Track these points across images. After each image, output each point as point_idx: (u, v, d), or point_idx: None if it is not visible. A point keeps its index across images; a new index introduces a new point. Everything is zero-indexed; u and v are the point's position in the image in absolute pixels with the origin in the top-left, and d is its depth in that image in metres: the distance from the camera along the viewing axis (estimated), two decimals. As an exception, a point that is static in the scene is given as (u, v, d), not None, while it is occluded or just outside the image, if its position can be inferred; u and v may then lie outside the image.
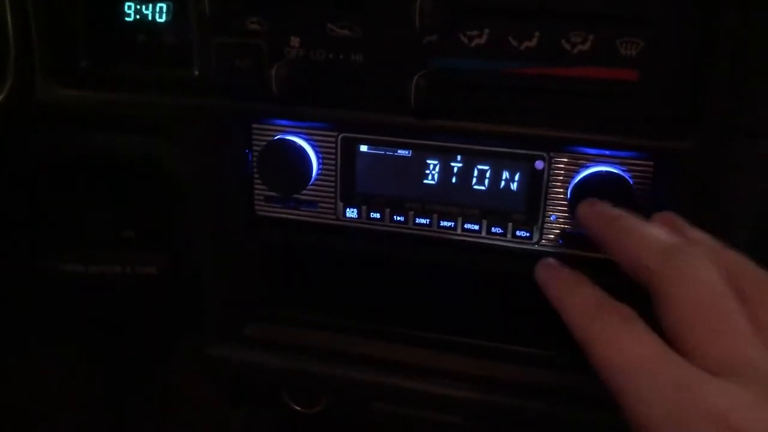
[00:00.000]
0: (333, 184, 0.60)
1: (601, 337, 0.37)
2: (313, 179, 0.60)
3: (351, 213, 0.61)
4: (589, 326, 0.38)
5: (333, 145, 0.59)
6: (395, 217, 0.60)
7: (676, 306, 0.36)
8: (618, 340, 0.36)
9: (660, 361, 0.34)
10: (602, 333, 0.37)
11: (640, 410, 0.33)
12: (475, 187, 0.58)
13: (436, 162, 0.58)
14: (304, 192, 0.61)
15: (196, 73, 0.58)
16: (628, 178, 0.53)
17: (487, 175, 0.57)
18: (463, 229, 0.59)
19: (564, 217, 0.56)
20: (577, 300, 0.40)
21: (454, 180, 0.58)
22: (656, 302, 0.37)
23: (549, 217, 0.57)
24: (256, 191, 0.63)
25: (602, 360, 0.36)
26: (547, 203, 0.56)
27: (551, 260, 0.47)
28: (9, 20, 0.59)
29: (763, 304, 0.36)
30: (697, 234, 0.44)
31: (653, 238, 0.39)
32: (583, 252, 0.57)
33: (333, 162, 0.60)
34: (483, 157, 0.57)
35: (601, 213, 0.45)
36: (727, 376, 0.32)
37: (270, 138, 0.60)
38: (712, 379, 0.32)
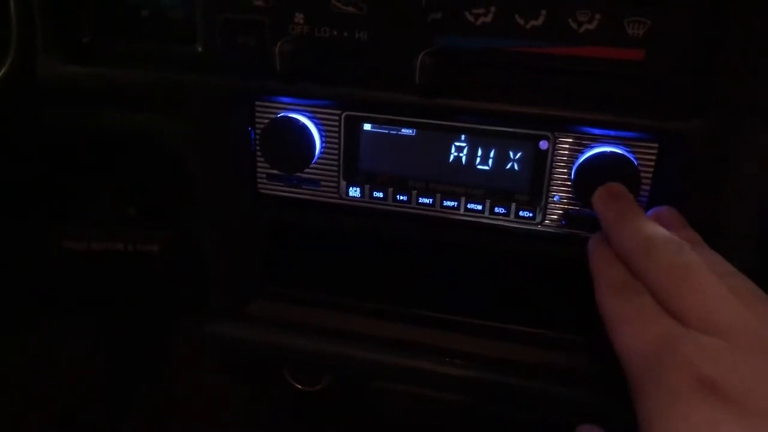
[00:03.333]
0: (336, 162, 0.60)
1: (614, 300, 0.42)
2: (316, 158, 0.59)
3: (354, 192, 0.61)
4: (611, 298, 0.42)
5: (336, 123, 0.59)
6: (398, 196, 0.60)
7: (657, 279, 0.40)
8: (624, 300, 0.41)
9: (651, 315, 0.38)
10: (618, 300, 0.42)
11: (630, 358, 0.38)
12: (479, 166, 0.57)
13: (440, 141, 0.57)
14: (307, 170, 0.61)
15: (200, 49, 0.58)
16: (632, 159, 0.53)
17: (491, 154, 0.57)
18: (467, 209, 0.59)
19: (568, 198, 0.56)
20: (609, 273, 0.44)
21: (458, 159, 0.58)
22: (643, 281, 0.41)
23: (552, 197, 0.57)
24: (259, 169, 0.63)
25: (607, 311, 0.42)
26: (551, 184, 0.56)
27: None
28: (11, -5, 0.59)
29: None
30: (690, 233, 0.48)
31: (642, 235, 0.44)
32: (586, 233, 0.57)
33: (336, 140, 0.59)
34: (487, 137, 0.57)
35: (606, 189, 0.50)
36: (705, 332, 0.35)
37: (273, 115, 0.60)
38: (690, 332, 0.36)
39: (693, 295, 0.38)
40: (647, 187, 0.54)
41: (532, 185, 0.57)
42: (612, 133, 0.53)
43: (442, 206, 0.59)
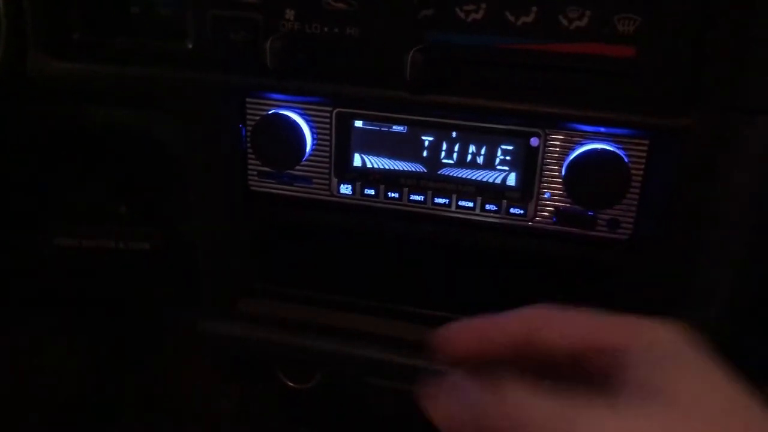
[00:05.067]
0: (327, 159, 0.60)
1: None
2: (307, 155, 0.59)
3: (345, 189, 0.61)
4: None
5: (327, 120, 0.59)
6: (389, 193, 0.60)
7: None
8: None
9: None
10: None
11: None
12: (470, 163, 0.57)
13: (431, 138, 0.57)
14: (298, 167, 0.61)
15: (190, 46, 0.58)
16: (623, 155, 0.53)
17: (482, 151, 0.57)
18: (458, 206, 0.59)
19: (558, 195, 0.56)
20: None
21: (449, 156, 0.58)
22: None
23: (543, 194, 0.57)
24: (250, 166, 0.62)
25: None
26: (542, 180, 0.56)
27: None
28: (0, -9, 0.58)
29: None
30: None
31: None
32: (577, 229, 0.57)
33: (327, 137, 0.59)
34: (478, 134, 0.57)
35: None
36: None
37: (264, 112, 0.60)
38: None
39: None
40: (638, 184, 0.54)
41: (523, 182, 0.57)
42: (603, 129, 0.54)
43: (433, 203, 0.59)
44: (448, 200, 0.59)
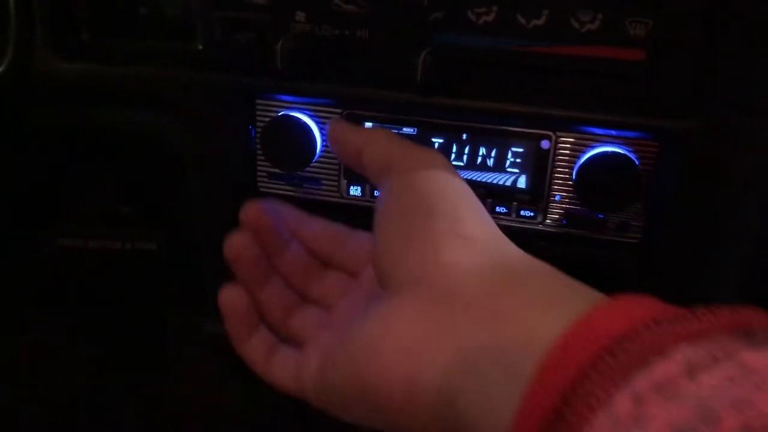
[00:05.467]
0: (337, 161, 0.60)
1: None
2: (317, 156, 0.59)
3: (355, 191, 0.61)
4: None
5: (337, 122, 0.59)
6: (399, 195, 0.59)
7: None
8: None
9: None
10: None
11: None
12: (480, 166, 0.57)
13: (441, 140, 0.57)
14: (308, 169, 0.61)
15: (200, 47, 0.58)
16: (634, 158, 0.53)
17: (493, 154, 0.57)
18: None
19: (569, 198, 0.56)
20: None
21: (458, 159, 0.58)
22: None
23: (554, 197, 0.57)
24: (259, 168, 0.62)
25: None
26: (552, 183, 0.56)
27: None
28: (10, -8, 0.58)
29: None
30: None
31: None
32: (587, 233, 0.57)
33: (337, 139, 0.59)
34: (488, 136, 0.57)
35: None
36: None
37: (274, 114, 0.60)
38: None
39: None
40: (649, 187, 0.54)
41: (534, 185, 0.57)
42: (613, 132, 0.54)
43: (442, 205, 0.59)
44: (457, 202, 0.59)
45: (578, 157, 0.55)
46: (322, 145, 0.59)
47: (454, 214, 0.39)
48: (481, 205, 0.40)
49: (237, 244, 0.49)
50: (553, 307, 0.32)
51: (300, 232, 0.51)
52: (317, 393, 0.42)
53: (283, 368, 0.47)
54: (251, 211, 0.50)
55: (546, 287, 0.35)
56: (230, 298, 0.49)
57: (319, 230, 0.51)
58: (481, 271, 0.36)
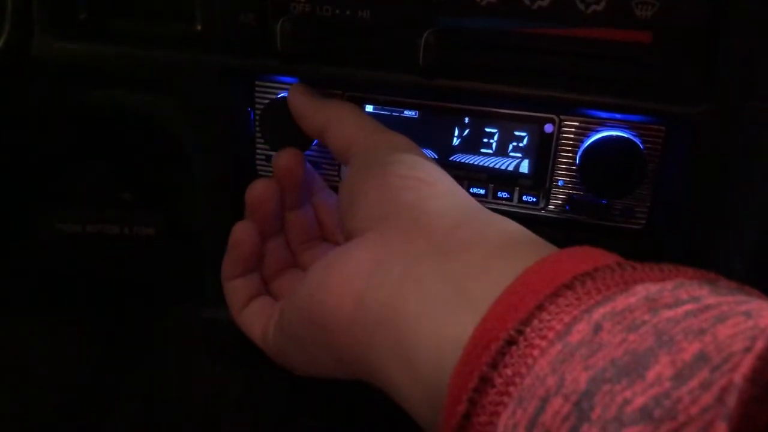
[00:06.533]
0: (337, 144, 0.59)
1: None
2: (316, 140, 0.58)
3: (355, 175, 0.60)
4: None
5: (338, 104, 0.58)
6: (400, 179, 0.59)
7: None
8: None
9: None
10: None
11: None
12: (483, 150, 0.56)
13: (443, 123, 0.57)
14: (307, 153, 0.60)
15: (199, 27, 0.57)
16: (639, 143, 0.52)
17: (495, 137, 0.56)
18: (469, 193, 0.58)
19: (572, 183, 0.55)
20: None
21: (461, 142, 0.57)
22: None
23: (557, 182, 0.56)
24: (258, 151, 0.62)
25: None
26: (556, 168, 0.55)
27: None
28: (6, -30, 0.58)
29: None
30: None
31: None
32: (590, 219, 0.56)
33: (337, 122, 0.58)
34: (491, 119, 0.56)
35: None
36: None
37: (273, 96, 0.59)
38: None
39: None
40: (654, 173, 0.54)
41: (537, 169, 0.56)
42: (618, 116, 0.53)
43: (444, 190, 0.58)
44: (458, 187, 0.58)
45: (582, 142, 0.54)
46: (322, 128, 0.58)
47: (414, 162, 0.41)
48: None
49: (262, 190, 0.51)
50: (518, 247, 0.33)
51: (315, 199, 0.54)
52: (276, 338, 0.44)
53: (254, 315, 0.49)
54: (288, 156, 0.52)
55: (511, 232, 0.36)
56: (243, 232, 0.50)
57: (333, 203, 0.54)
58: (444, 209, 0.37)
